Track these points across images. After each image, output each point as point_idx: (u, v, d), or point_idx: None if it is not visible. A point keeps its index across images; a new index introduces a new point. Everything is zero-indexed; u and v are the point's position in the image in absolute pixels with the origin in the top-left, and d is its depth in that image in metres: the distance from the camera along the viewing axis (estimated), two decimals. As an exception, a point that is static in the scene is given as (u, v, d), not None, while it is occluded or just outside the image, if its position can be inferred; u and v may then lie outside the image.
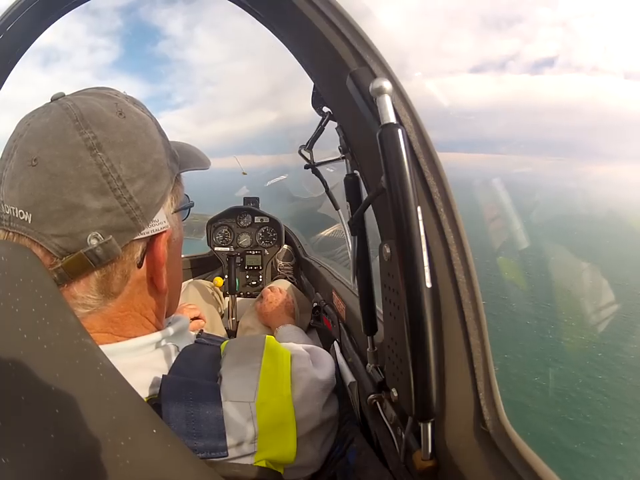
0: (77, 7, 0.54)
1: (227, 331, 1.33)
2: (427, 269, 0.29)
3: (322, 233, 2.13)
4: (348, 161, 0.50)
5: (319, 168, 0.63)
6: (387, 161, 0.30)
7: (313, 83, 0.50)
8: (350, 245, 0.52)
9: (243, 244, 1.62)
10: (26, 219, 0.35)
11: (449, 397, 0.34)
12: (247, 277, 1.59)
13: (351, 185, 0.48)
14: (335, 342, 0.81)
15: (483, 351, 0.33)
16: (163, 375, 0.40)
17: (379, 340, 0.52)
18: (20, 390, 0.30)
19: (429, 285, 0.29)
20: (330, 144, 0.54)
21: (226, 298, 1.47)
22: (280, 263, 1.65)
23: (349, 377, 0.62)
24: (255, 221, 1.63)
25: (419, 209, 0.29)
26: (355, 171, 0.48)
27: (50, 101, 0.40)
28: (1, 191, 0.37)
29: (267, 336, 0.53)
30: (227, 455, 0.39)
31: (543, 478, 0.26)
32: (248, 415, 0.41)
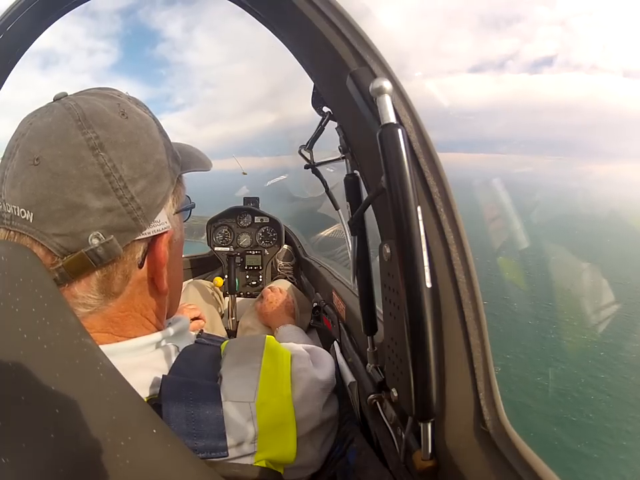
0: (76, 7, 0.55)
1: (227, 330, 1.33)
2: (427, 268, 0.29)
3: (322, 233, 2.13)
4: (348, 160, 0.49)
5: (318, 168, 0.63)
6: (387, 161, 0.30)
7: (312, 83, 0.50)
8: (350, 245, 0.52)
9: (243, 244, 1.62)
10: (27, 218, 0.35)
11: (449, 397, 0.34)
12: (247, 276, 1.59)
13: (351, 185, 0.48)
14: (335, 342, 0.81)
15: (483, 350, 0.33)
16: (163, 375, 0.40)
17: (379, 340, 0.52)
18: (20, 390, 0.30)
19: (429, 285, 0.29)
20: (330, 144, 0.54)
21: (226, 298, 1.47)
22: (280, 262, 1.65)
23: (349, 377, 0.62)
24: (255, 221, 1.64)
25: (419, 208, 0.29)
26: (355, 171, 0.48)
27: (52, 100, 0.40)
28: (3, 189, 0.37)
29: (267, 336, 0.53)
30: (227, 455, 0.39)
31: (543, 478, 0.26)
32: (248, 415, 0.41)
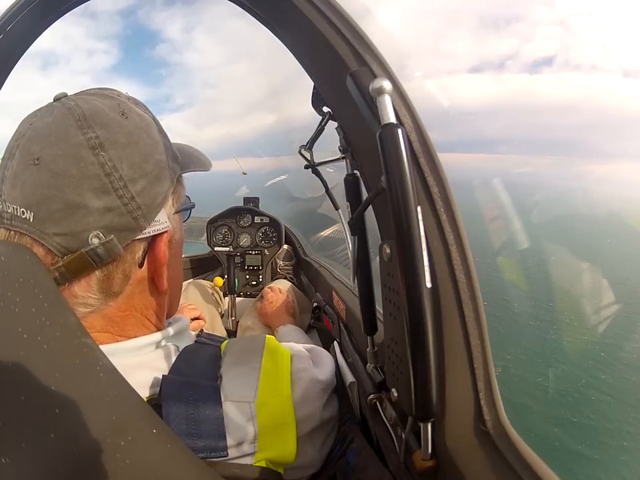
0: (76, 7, 0.55)
1: (227, 331, 1.33)
2: (427, 268, 0.29)
3: (322, 233, 2.13)
4: (348, 160, 0.49)
5: (319, 168, 0.63)
6: (387, 161, 0.30)
7: (312, 84, 0.50)
8: (350, 245, 0.52)
9: (243, 244, 1.62)
10: (28, 218, 0.35)
11: (448, 397, 0.34)
12: (247, 276, 1.59)
13: (351, 185, 0.48)
14: (335, 342, 0.81)
15: (483, 351, 0.33)
16: (163, 375, 0.40)
17: (379, 340, 0.52)
18: (20, 390, 0.30)
19: (429, 285, 0.29)
20: (330, 144, 0.54)
21: (226, 298, 1.47)
22: (280, 263, 1.65)
23: (349, 377, 0.62)
24: (255, 221, 1.64)
25: (419, 208, 0.29)
26: (355, 171, 0.48)
27: (53, 100, 0.40)
28: (3, 189, 0.37)
29: (267, 336, 0.53)
30: (227, 455, 0.39)
31: (543, 478, 0.26)
32: (248, 415, 0.41)
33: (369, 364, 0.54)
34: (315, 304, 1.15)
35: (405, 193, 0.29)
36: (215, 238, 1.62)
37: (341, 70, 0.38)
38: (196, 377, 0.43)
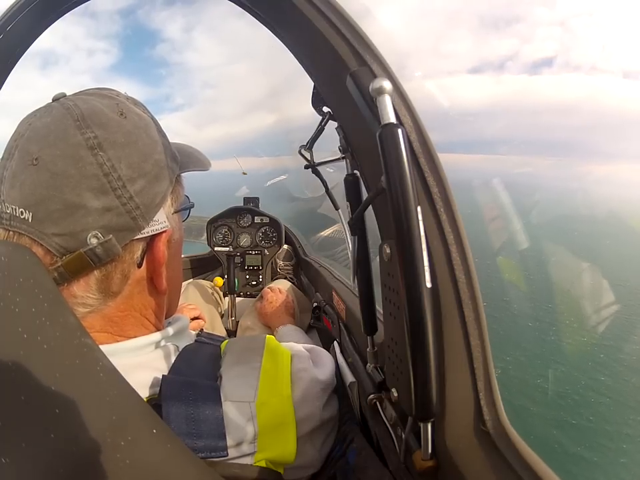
0: (76, 7, 0.55)
1: (226, 330, 1.33)
2: (427, 268, 0.29)
3: (322, 233, 2.13)
4: (348, 160, 0.50)
5: (319, 168, 0.63)
6: (387, 161, 0.30)
7: (312, 84, 0.50)
8: (350, 245, 0.52)
9: (243, 244, 1.62)
10: (26, 218, 0.35)
11: (448, 397, 0.34)
12: (247, 277, 1.59)
13: (351, 185, 0.48)
14: (335, 342, 0.81)
15: (483, 351, 0.33)
16: (163, 375, 0.40)
17: (379, 340, 0.52)
18: (20, 390, 0.30)
19: (429, 285, 0.29)
20: (330, 144, 0.54)
21: (226, 298, 1.47)
22: (280, 263, 1.65)
23: (349, 377, 0.62)
24: (255, 221, 1.64)
25: (419, 208, 0.29)
26: (355, 171, 0.48)
27: (51, 101, 0.40)
28: (2, 190, 0.37)
29: (267, 336, 0.53)
30: (227, 455, 0.38)
31: (543, 478, 0.26)
32: (248, 414, 0.41)
33: (368, 364, 0.54)
34: (315, 304, 1.15)
35: (405, 193, 0.29)
36: (215, 238, 1.62)
37: (341, 70, 0.38)
38: (196, 376, 0.43)
